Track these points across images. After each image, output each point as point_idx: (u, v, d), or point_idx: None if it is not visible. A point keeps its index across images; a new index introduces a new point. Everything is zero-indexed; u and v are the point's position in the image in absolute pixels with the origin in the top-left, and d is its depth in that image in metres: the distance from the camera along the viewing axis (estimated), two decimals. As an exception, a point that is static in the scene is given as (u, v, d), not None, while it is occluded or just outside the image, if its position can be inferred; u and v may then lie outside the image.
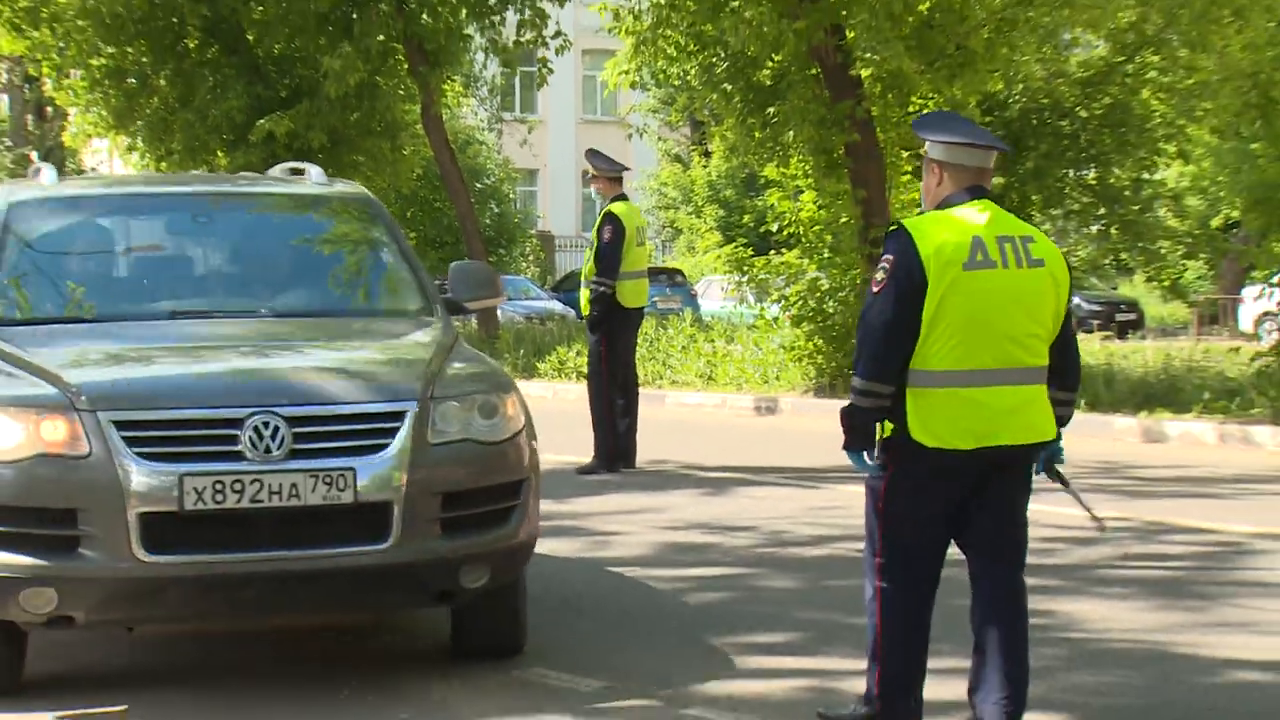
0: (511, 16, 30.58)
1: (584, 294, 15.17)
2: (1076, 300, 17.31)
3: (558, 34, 30.76)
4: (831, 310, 21.99)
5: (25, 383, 7.12)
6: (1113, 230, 31.26)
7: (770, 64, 21.70)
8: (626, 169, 16.18)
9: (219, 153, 28.26)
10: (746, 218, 42.39)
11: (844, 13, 20.32)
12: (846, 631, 8.33)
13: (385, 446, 6.92)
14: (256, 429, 6.69)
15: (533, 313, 39.66)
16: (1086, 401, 17.44)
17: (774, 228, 24.46)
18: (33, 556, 6.61)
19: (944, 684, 6.46)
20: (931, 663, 6.36)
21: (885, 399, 5.96)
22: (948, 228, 5.94)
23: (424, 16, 29.37)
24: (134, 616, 7.28)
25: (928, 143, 6.18)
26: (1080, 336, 6.20)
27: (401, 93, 30.93)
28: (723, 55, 22.31)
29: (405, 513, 6.84)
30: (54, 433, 6.71)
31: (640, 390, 16.01)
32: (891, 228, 6.29)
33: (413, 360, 7.88)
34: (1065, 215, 28.27)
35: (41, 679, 7.45)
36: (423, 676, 7.62)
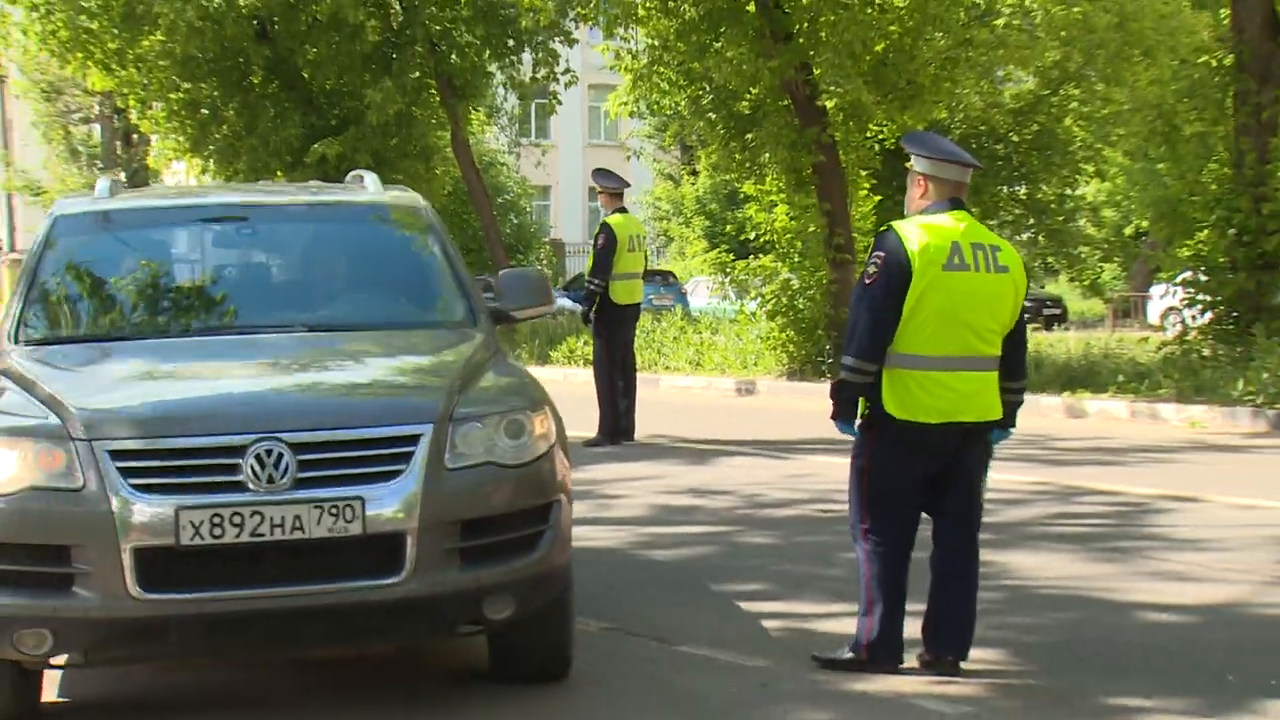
0: (527, 56, 30.57)
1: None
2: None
3: (566, 71, 30.72)
4: (801, 306, 21.96)
5: (26, 410, 5.86)
6: (1040, 238, 31.37)
7: (748, 96, 21.66)
8: (628, 185, 16.24)
9: (279, 173, 28.13)
10: (729, 227, 42.32)
11: (811, 53, 20.31)
12: (815, 580, 8.37)
13: (398, 474, 5.63)
14: (259, 457, 5.47)
15: (546, 308, 39.61)
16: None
17: (752, 236, 24.39)
18: (25, 596, 5.47)
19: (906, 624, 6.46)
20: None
21: (871, 375, 6.03)
22: (930, 232, 5.97)
23: (453, 57, 29.39)
24: (135, 656, 6.04)
25: (914, 157, 6.19)
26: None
27: (434, 121, 30.87)
28: (708, 89, 22.27)
29: (420, 544, 5.56)
30: (47, 464, 5.52)
31: (638, 374, 16.05)
32: (882, 229, 6.36)
33: (435, 378, 6.43)
34: (1000, 225, 28.26)
35: (61, 707, 6.46)
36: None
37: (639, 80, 22.44)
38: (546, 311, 8.08)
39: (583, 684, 6.48)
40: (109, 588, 5.38)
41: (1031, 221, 30.94)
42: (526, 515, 5.90)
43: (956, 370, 6.03)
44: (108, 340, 6.93)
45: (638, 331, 16.90)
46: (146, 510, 5.39)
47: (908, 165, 6.32)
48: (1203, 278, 19.61)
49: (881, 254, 6.02)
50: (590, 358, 18.06)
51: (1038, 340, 23.01)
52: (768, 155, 22.13)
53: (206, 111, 29.62)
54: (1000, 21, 23.48)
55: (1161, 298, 32.97)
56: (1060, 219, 31.40)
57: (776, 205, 22.94)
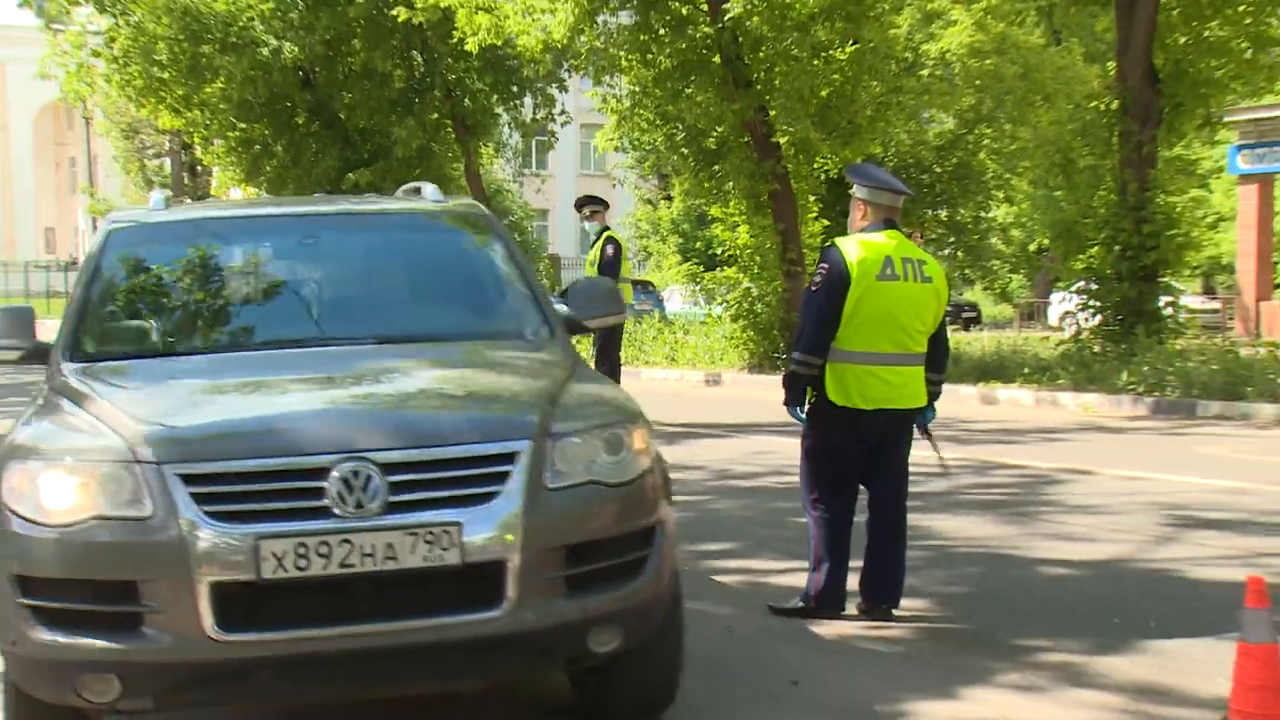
0: (529, 100, 30.58)
1: None
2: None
3: (562, 112, 30.77)
4: (759, 311, 22.02)
5: (86, 431, 4.54)
6: (959, 253, 31.46)
7: (715, 134, 21.66)
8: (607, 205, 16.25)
9: (320, 198, 28.17)
10: (699, 244, 42.53)
11: (767, 97, 20.31)
12: (771, 542, 8.37)
13: (495, 495, 4.35)
14: (345, 479, 4.23)
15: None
16: (941, 375, 17.54)
17: (718, 251, 24.47)
18: (90, 638, 4.16)
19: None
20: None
21: (816, 368, 6.05)
22: (867, 248, 5.99)
23: (466, 100, 29.31)
24: (211, 701, 4.68)
25: (855, 185, 6.21)
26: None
27: (450, 155, 30.87)
28: (680, 128, 22.25)
29: (522, 573, 4.30)
30: (112, 490, 4.24)
31: (622, 368, 15.95)
32: (827, 245, 6.37)
33: (526, 390, 5.06)
34: (926, 243, 28.31)
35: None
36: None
37: (622, 120, 22.46)
38: (618, 320, 6.48)
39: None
40: (182, 627, 4.13)
41: (952, 239, 31.06)
42: (632, 538, 4.63)
43: (889, 365, 6.06)
44: (167, 356, 5.52)
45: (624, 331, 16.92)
46: (223, 540, 4.14)
47: (850, 192, 6.34)
48: (1094, 286, 19.71)
49: (825, 266, 6.06)
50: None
51: (957, 339, 23.07)
52: (731, 184, 22.16)
53: (259, 147, 29.58)
54: (925, 72, 23.71)
55: (1059, 303, 33.19)
56: (976, 237, 31.54)
57: (739, 225, 22.97)
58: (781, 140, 20.99)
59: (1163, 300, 19.59)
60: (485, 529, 4.27)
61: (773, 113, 20.48)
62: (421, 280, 6.31)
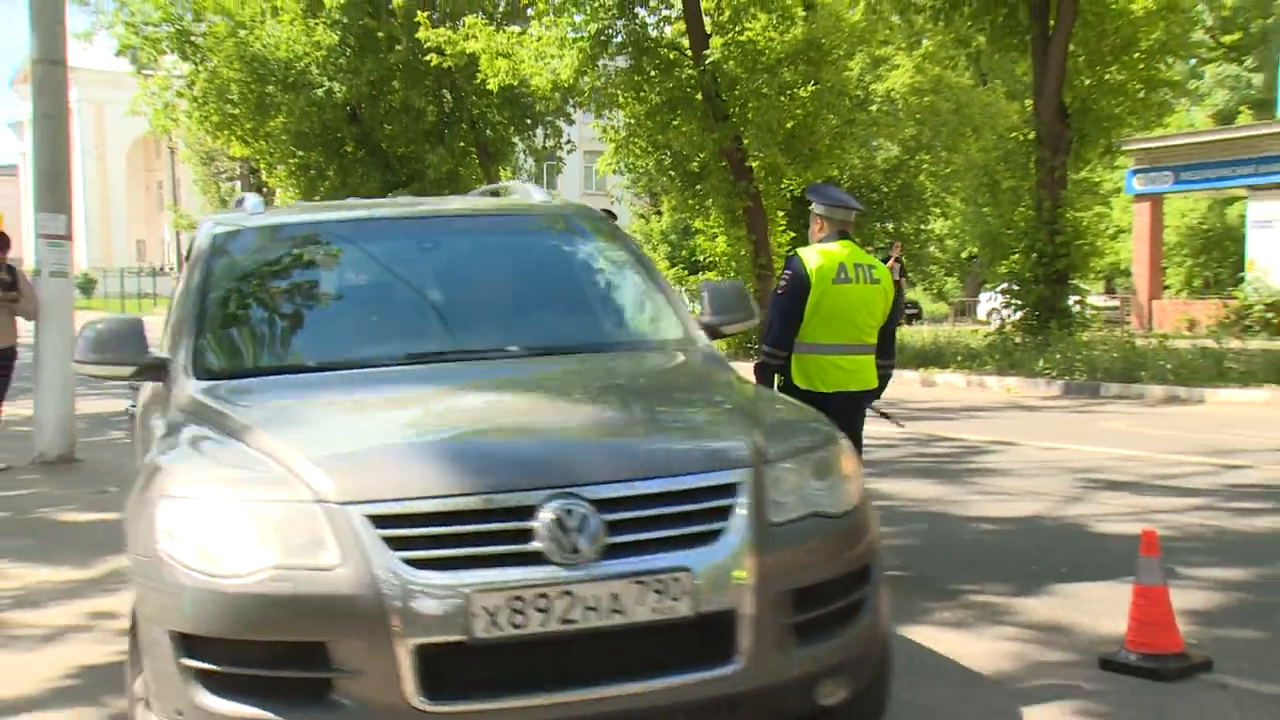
0: (540, 131, 30.57)
1: None
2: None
3: (568, 141, 30.83)
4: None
5: (247, 464, 3.33)
6: (903, 259, 31.38)
7: (697, 160, 21.69)
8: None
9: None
10: (684, 252, 42.39)
11: (742, 129, 20.35)
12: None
13: (720, 534, 3.20)
14: (558, 519, 3.06)
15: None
16: (887, 362, 17.67)
17: (700, 257, 24.48)
18: (269, 708, 3.03)
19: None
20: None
21: (783, 359, 6.01)
22: (824, 256, 5.96)
23: (488, 131, 29.39)
24: None
25: (815, 202, 6.18)
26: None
27: (474, 178, 30.78)
28: (668, 154, 22.29)
29: (755, 622, 3.18)
30: (291, 535, 3.10)
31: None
32: (790, 254, 6.35)
33: (725, 408, 3.83)
34: (875, 250, 28.34)
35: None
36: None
37: (619, 148, 22.47)
38: (750, 324, 4.91)
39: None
40: (380, 696, 2.98)
41: (894, 247, 31.08)
42: (854, 577, 3.47)
43: (844, 354, 6.03)
44: (302, 372, 4.06)
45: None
46: (428, 593, 2.96)
47: (810, 208, 6.32)
48: (1015, 287, 19.79)
49: (789, 272, 6.03)
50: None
51: (901, 332, 23.08)
52: (711, 201, 22.25)
53: (314, 171, 29.57)
54: (874, 107, 23.74)
55: (987, 301, 33.19)
56: (917, 246, 31.48)
57: (718, 236, 23.00)
58: (754, 164, 21.00)
59: (1072, 299, 19.68)
60: (714, 573, 3.11)
61: (746, 141, 20.49)
62: (552, 285, 4.86)
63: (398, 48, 26.76)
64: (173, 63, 28.85)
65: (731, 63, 19.84)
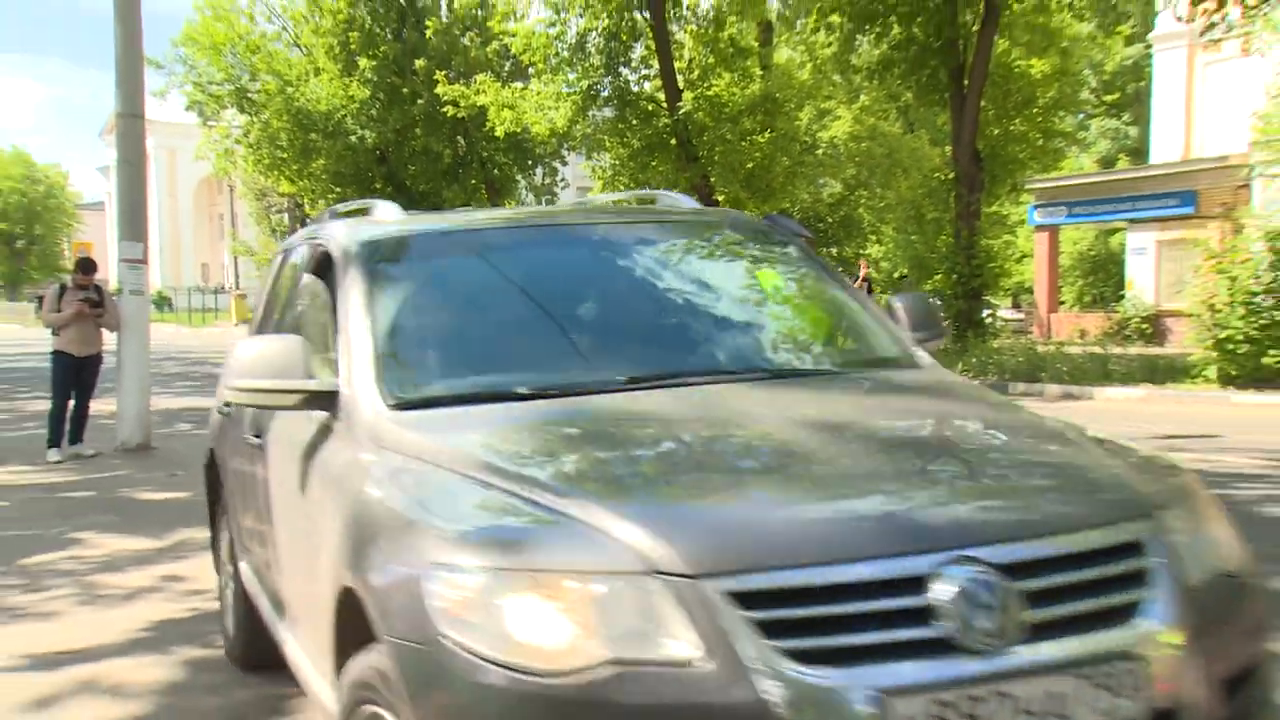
0: (539, 171, 30.58)
1: None
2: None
3: (562, 179, 30.81)
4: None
5: (526, 518, 2.01)
6: (871, 276, 31.56)
7: (672, 196, 21.78)
8: None
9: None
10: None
11: (709, 169, 20.41)
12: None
13: (1141, 605, 1.96)
14: (965, 592, 1.81)
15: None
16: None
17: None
18: None
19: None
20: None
21: None
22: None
23: (495, 171, 29.35)
24: None
25: None
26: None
27: (486, 211, 31.03)
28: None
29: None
30: (619, 617, 1.81)
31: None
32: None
33: (1075, 444, 2.45)
34: (843, 271, 28.47)
35: None
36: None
37: (606, 185, 22.48)
38: (941, 343, 3.52)
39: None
40: None
41: (840, 269, 31.18)
42: (1262, 652, 2.25)
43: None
44: (520, 399, 2.72)
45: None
46: (827, 699, 1.77)
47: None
48: (938, 302, 19.87)
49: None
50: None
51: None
52: (684, 231, 22.26)
53: (350, 206, 29.63)
54: (820, 151, 23.79)
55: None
56: (856, 269, 31.64)
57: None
58: (720, 198, 21.05)
59: (985, 312, 19.78)
60: (1153, 656, 1.97)
61: (713, 179, 20.56)
62: (754, 297, 3.48)
63: (419, 101, 26.79)
64: (232, 115, 28.99)
65: (700, 113, 19.90)
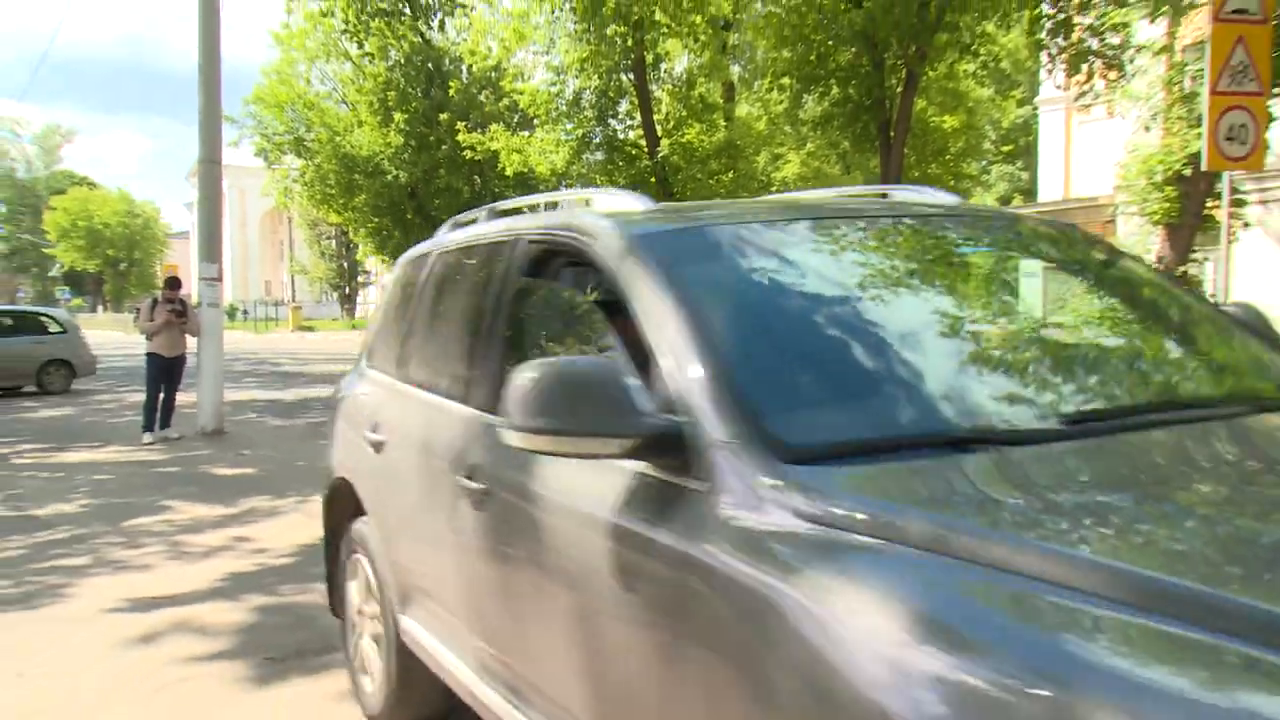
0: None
1: None
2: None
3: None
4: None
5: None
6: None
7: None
8: None
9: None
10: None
11: (687, 193, 20.48)
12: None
13: None
14: None
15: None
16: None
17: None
18: None
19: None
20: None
21: None
22: None
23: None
24: None
25: None
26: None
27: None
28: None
29: None
30: None
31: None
32: None
33: None
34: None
35: None
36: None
37: (599, 217, 22.56)
38: None
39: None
40: None
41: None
42: None
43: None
44: (938, 448, 1.41)
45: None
46: None
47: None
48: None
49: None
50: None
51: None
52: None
53: (384, 233, 29.52)
54: (774, 189, 23.83)
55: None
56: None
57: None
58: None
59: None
60: None
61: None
62: (1136, 310, 2.23)
63: (444, 147, 26.94)
64: (291, 160, 29.24)
65: (675, 157, 20.04)
